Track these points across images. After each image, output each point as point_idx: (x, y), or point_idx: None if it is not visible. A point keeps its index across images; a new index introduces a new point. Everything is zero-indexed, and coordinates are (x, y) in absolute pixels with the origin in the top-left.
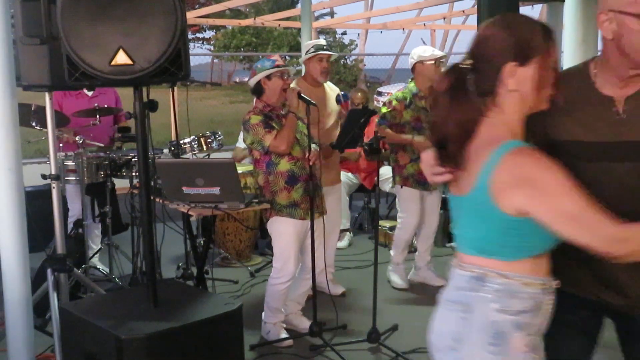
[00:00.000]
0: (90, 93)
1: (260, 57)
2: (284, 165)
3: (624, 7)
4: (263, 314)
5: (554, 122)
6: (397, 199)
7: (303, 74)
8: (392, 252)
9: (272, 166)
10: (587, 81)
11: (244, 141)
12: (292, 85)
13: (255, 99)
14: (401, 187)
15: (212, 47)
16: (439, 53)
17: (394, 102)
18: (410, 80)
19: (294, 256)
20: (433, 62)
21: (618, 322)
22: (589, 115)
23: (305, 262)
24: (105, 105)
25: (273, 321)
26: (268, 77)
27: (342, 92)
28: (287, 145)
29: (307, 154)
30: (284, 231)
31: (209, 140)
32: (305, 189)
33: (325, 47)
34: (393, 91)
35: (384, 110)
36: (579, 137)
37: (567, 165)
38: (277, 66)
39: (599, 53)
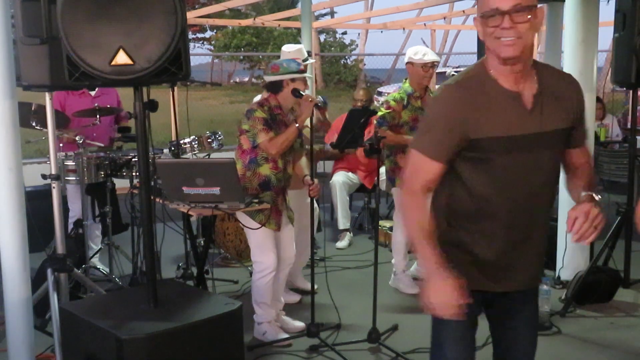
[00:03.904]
0: (93, 93)
1: (261, 57)
2: (265, 169)
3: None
4: (254, 315)
5: (474, 120)
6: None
7: None
8: (393, 261)
9: (254, 165)
10: (488, 79)
11: (241, 125)
12: None
13: (269, 95)
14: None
15: (212, 47)
16: (428, 58)
17: (392, 103)
18: (404, 80)
19: (271, 247)
20: (421, 66)
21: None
22: (505, 112)
23: (278, 255)
24: (108, 105)
25: (266, 319)
26: (293, 79)
27: (322, 97)
28: (278, 152)
29: (307, 177)
30: (252, 224)
31: (209, 140)
32: (274, 200)
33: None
34: (393, 91)
35: (382, 112)
36: (497, 132)
37: (478, 157)
38: (302, 71)
39: (597, 53)
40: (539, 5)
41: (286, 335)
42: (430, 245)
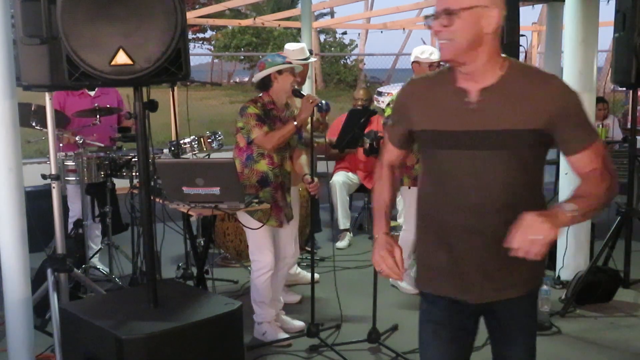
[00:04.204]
0: (92, 93)
1: (261, 56)
2: (262, 166)
3: None
4: (254, 315)
5: (415, 113)
6: (399, 200)
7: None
8: None
9: (251, 161)
10: (449, 76)
11: (236, 124)
12: None
13: (262, 93)
14: (409, 188)
15: (212, 47)
16: (435, 58)
17: None
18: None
19: (268, 246)
20: (427, 65)
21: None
22: (444, 106)
23: (277, 254)
24: (108, 105)
25: (266, 319)
26: (279, 71)
27: (325, 102)
28: (273, 147)
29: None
30: (252, 224)
31: (209, 140)
32: (273, 196)
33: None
34: (393, 91)
35: (388, 112)
36: (435, 126)
37: (426, 152)
38: (289, 62)
39: (597, 53)
40: (539, 5)
41: (286, 335)
42: (381, 215)
